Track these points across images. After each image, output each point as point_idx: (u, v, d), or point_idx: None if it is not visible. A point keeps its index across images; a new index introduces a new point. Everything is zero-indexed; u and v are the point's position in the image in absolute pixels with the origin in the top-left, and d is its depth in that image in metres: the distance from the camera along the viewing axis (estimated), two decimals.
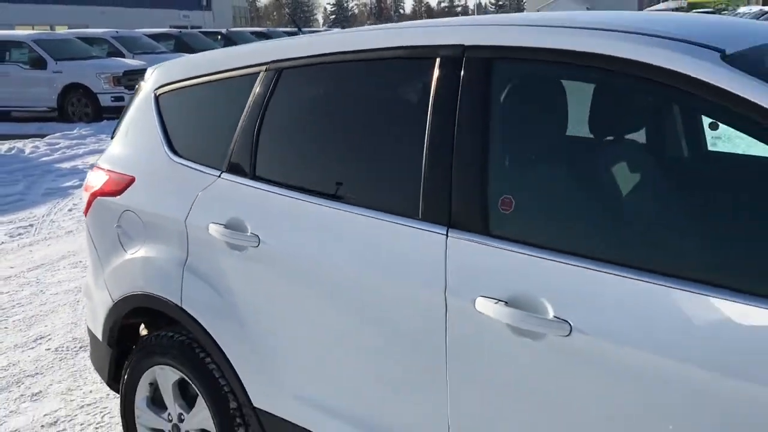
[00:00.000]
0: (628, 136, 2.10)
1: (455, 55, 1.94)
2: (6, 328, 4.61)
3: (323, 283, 2.11)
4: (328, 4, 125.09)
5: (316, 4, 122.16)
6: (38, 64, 15.00)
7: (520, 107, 1.97)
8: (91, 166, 2.97)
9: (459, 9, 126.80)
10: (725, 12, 37.45)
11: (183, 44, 20.64)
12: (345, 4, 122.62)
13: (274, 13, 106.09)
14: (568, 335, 1.63)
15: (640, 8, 65.38)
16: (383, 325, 1.99)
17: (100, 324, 2.81)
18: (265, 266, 2.24)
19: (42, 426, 3.40)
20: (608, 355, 1.60)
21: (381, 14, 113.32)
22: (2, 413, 3.53)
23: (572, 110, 2.00)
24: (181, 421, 2.60)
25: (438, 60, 1.97)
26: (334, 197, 2.14)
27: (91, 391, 3.71)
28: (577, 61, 1.75)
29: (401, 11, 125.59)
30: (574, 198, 1.85)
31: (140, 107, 2.82)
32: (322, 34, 2.36)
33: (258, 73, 2.41)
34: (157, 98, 2.76)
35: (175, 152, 2.62)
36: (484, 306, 1.75)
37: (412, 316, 1.91)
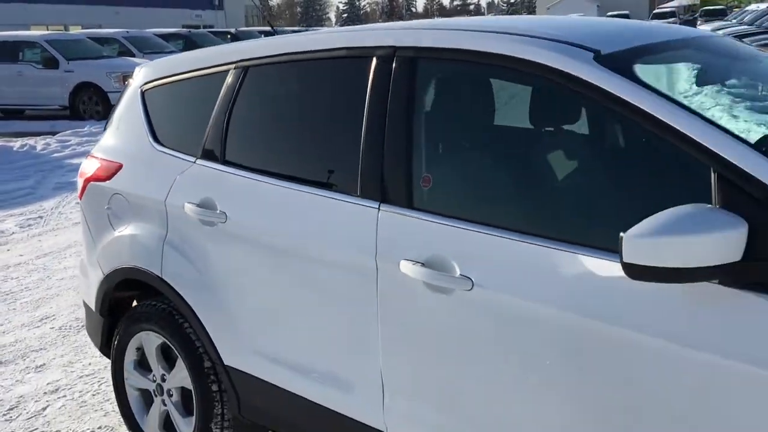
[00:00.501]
0: (522, 124, 2.41)
1: (387, 55, 2.25)
2: (14, 309, 4.96)
3: (277, 253, 2.42)
4: (340, 2, 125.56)
5: (328, 3, 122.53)
6: (51, 63, 15.41)
7: (437, 99, 2.27)
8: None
9: (472, 7, 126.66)
10: (736, 9, 37.49)
11: (192, 44, 20.98)
12: (357, 3, 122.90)
13: (287, 12, 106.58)
14: (470, 290, 1.94)
15: (652, 6, 65.19)
16: (327, 288, 2.30)
17: (93, 296, 3.14)
18: (232, 239, 2.55)
19: (44, 393, 3.74)
20: (501, 305, 1.90)
21: (393, 13, 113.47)
22: (9, 382, 3.88)
23: (484, 102, 2.30)
24: (164, 380, 2.93)
25: (374, 59, 2.28)
26: (289, 178, 2.45)
27: (90, 364, 4.05)
28: (480, 59, 2.08)
29: (413, 9, 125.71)
30: (478, 176, 2.15)
31: (128, 102, 3.15)
32: (283, 37, 2.67)
33: (228, 70, 2.74)
34: (143, 93, 3.09)
35: (158, 141, 2.95)
36: (406, 267, 2.06)
37: (350, 279, 2.22)
